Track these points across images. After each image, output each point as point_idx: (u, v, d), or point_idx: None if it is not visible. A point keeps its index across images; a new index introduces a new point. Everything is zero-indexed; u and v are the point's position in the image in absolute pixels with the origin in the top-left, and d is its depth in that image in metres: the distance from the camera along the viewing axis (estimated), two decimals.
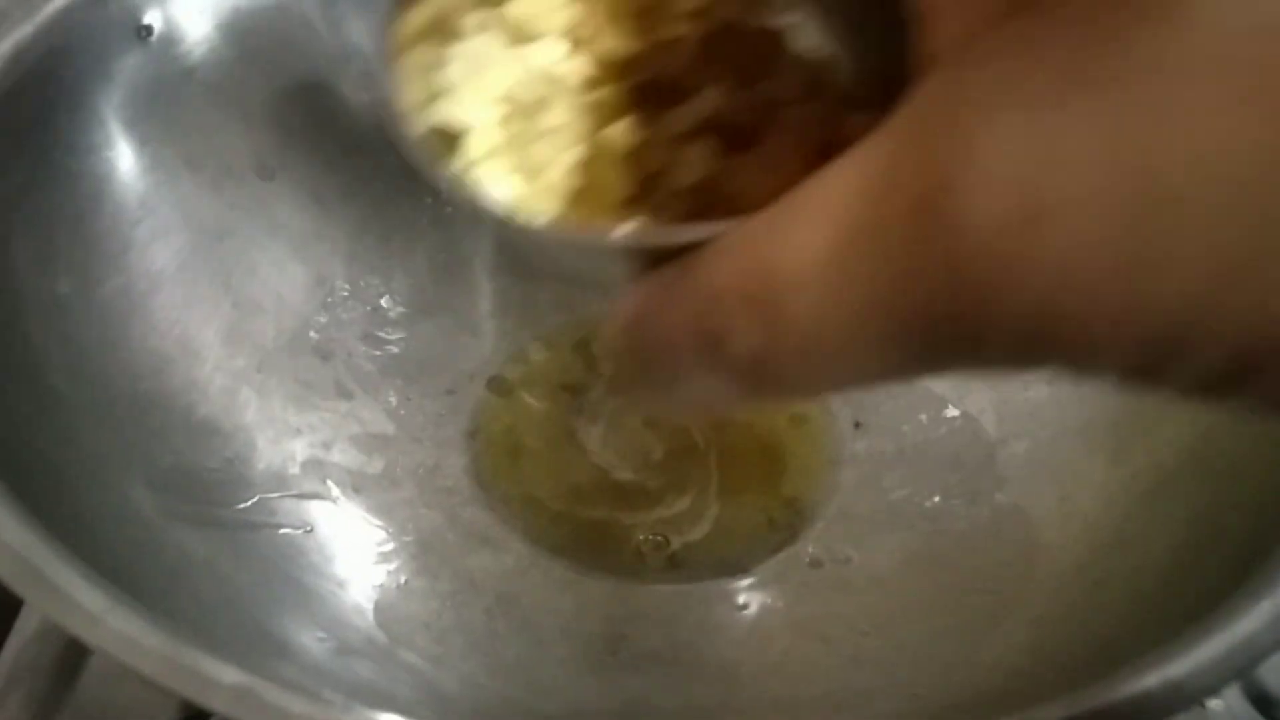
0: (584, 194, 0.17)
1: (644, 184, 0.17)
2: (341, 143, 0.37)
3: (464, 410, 0.37)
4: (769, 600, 0.32)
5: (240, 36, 0.35)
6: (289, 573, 0.30)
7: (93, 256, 0.32)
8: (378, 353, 0.37)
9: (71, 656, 0.31)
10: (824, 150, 0.16)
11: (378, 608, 0.31)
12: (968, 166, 0.10)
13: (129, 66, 0.33)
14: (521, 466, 0.36)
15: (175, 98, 0.34)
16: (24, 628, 0.32)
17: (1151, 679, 0.21)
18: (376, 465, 0.35)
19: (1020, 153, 0.10)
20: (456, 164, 0.17)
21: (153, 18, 0.34)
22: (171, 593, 0.26)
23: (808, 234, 0.11)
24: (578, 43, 0.18)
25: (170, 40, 0.34)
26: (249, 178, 0.36)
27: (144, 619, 0.21)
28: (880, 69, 0.13)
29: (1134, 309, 0.10)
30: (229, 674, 0.20)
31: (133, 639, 0.20)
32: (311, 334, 0.36)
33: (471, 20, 0.18)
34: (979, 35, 0.11)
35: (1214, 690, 0.23)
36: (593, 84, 0.18)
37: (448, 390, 0.38)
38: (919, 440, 0.36)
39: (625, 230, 0.16)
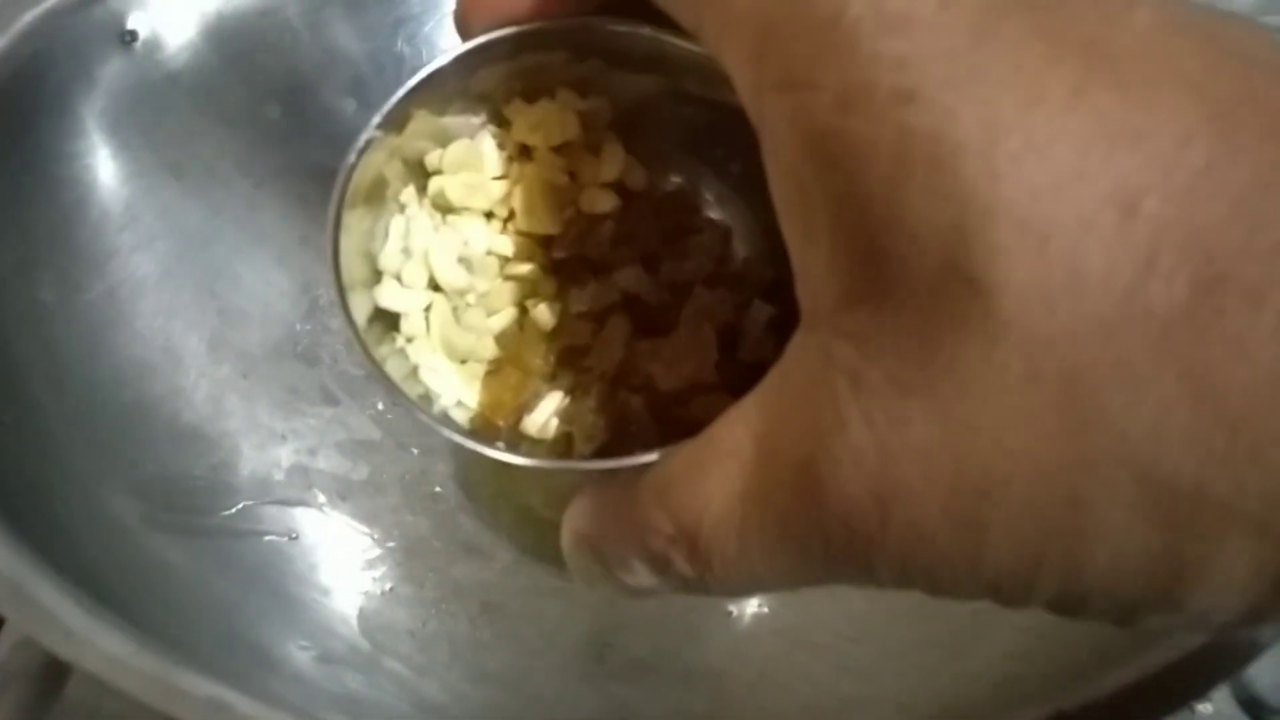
0: (507, 368, 0.19)
1: (562, 357, 0.19)
2: (326, 147, 0.37)
3: None
4: (756, 607, 0.32)
5: (224, 41, 0.35)
6: (273, 580, 0.30)
7: (75, 263, 0.31)
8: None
9: (58, 662, 0.31)
10: (729, 334, 0.18)
11: (362, 615, 0.31)
12: (838, 440, 0.12)
13: (112, 72, 0.33)
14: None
15: (159, 103, 0.34)
16: (11, 632, 0.31)
17: (1137, 676, 0.21)
18: (362, 471, 0.35)
19: (870, 443, 0.12)
20: (393, 344, 0.19)
21: (136, 23, 0.34)
22: (152, 603, 0.26)
23: (718, 485, 0.14)
24: (502, 221, 0.19)
25: (154, 46, 0.34)
26: (233, 183, 0.36)
27: (121, 631, 0.21)
28: (773, 241, 0.14)
29: (968, 573, 0.12)
30: (203, 686, 0.20)
31: (107, 652, 0.20)
32: (297, 340, 0.36)
33: (405, 194, 0.19)
34: (844, 308, 0.12)
35: (1201, 692, 0.22)
36: (516, 260, 0.19)
37: None
38: None
39: (540, 459, 0.18)
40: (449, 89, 0.19)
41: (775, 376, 0.13)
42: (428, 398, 0.19)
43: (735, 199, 0.20)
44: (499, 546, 0.34)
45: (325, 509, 0.33)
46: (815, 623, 0.31)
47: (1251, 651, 0.22)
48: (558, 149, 0.20)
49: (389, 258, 0.19)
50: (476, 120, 0.20)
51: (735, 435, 0.14)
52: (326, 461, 0.34)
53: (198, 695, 0.20)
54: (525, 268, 0.19)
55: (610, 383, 0.18)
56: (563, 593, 0.32)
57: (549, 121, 0.20)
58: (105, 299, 0.32)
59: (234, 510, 0.32)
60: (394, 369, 0.19)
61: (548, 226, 0.19)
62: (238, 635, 0.28)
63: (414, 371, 0.19)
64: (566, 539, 0.17)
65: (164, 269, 0.34)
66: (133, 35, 0.34)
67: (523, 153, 0.20)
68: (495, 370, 0.19)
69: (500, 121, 0.20)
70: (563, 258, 0.19)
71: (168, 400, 0.32)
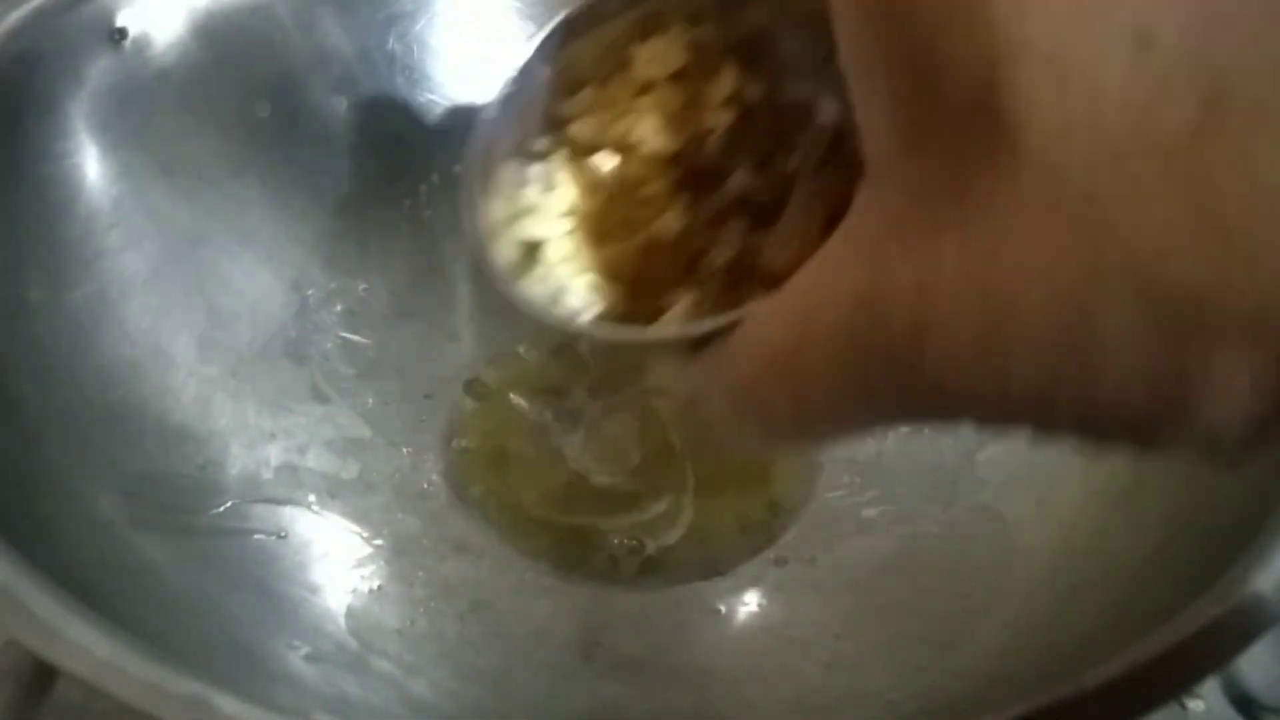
0: (643, 280, 0.21)
1: (689, 263, 0.21)
2: (317, 146, 0.37)
3: (441, 414, 0.37)
4: (744, 604, 0.32)
5: (213, 39, 0.35)
6: (261, 579, 0.30)
7: (63, 263, 0.31)
8: (354, 357, 0.37)
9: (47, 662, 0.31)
10: (834, 217, 0.19)
11: (350, 614, 0.30)
12: (882, 279, 0.13)
13: (101, 70, 0.33)
14: (499, 471, 0.36)
15: (148, 102, 0.34)
16: None
17: (1124, 670, 0.21)
18: (352, 470, 0.35)
19: (910, 280, 0.13)
20: (539, 270, 0.21)
21: (125, 21, 0.33)
22: (139, 603, 0.26)
23: (787, 329, 0.15)
24: (629, 149, 0.21)
25: (143, 44, 0.34)
26: (223, 182, 0.35)
27: (104, 632, 0.21)
28: None
29: (996, 398, 0.13)
30: (186, 686, 0.20)
31: (89, 652, 0.20)
32: (287, 339, 0.36)
33: (541, 143, 0.22)
34: (898, 158, 0.13)
35: (1188, 686, 0.22)
36: (642, 182, 0.21)
37: (425, 394, 0.38)
38: (898, 443, 0.36)
39: (666, 328, 0.19)
40: (573, 41, 0.22)
41: (841, 229, 0.15)
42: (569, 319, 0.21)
43: (844, 99, 0.22)
44: (488, 544, 0.34)
45: (314, 507, 0.33)
46: (803, 620, 0.31)
47: (1239, 645, 0.22)
48: (674, 77, 0.21)
49: (530, 197, 0.22)
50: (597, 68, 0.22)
51: (804, 283, 0.15)
52: (316, 460, 0.34)
53: (180, 695, 0.20)
54: (653, 187, 0.21)
55: (730, 279, 0.20)
56: (551, 591, 0.32)
57: (663, 53, 0.21)
58: (93, 298, 0.32)
59: (222, 509, 0.31)
60: (535, 297, 0.21)
61: (670, 146, 0.21)
62: (225, 634, 0.28)
63: (555, 296, 0.21)
64: (678, 404, 0.19)
65: (153, 268, 0.33)
66: (121, 33, 0.33)
67: (644, 88, 0.22)
68: (630, 285, 0.21)
69: (622, 65, 0.22)
70: (685, 172, 0.21)
71: (156, 399, 0.32)
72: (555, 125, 0.22)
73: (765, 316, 0.16)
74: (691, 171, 0.21)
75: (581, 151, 0.22)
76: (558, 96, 0.22)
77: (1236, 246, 0.11)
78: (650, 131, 0.21)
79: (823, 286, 0.15)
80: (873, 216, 0.14)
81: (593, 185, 0.22)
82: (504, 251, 0.21)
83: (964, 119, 0.12)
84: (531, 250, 0.22)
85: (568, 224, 0.22)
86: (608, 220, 0.21)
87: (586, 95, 0.22)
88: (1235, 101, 0.11)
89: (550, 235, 0.21)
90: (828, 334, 0.14)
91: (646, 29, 0.22)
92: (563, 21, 0.22)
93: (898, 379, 0.13)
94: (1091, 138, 0.11)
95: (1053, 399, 0.12)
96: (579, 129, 0.22)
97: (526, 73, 0.22)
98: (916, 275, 0.13)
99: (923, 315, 0.13)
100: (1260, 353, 0.11)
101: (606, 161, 0.21)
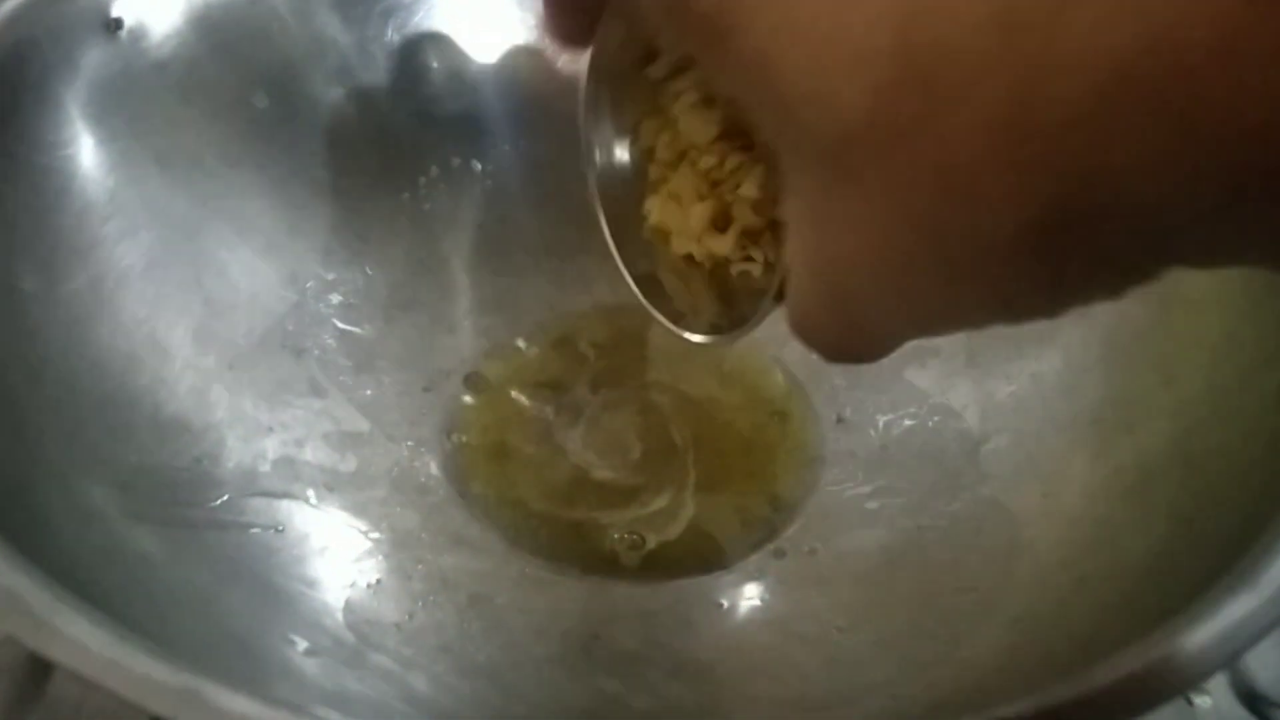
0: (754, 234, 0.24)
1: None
2: (315, 138, 0.37)
3: (440, 408, 0.37)
4: (746, 598, 0.32)
5: (210, 30, 0.35)
6: (257, 573, 0.30)
7: (58, 253, 0.31)
8: (353, 349, 0.37)
9: (42, 658, 0.31)
10: None
11: (348, 608, 0.30)
12: (798, 260, 0.18)
13: (97, 60, 0.33)
14: (499, 465, 0.36)
15: (144, 92, 0.34)
16: None
17: (1130, 668, 0.21)
18: (350, 464, 0.35)
19: (810, 254, 0.17)
20: (670, 257, 0.25)
21: (121, 10, 0.33)
22: (134, 596, 0.25)
23: (810, 281, 0.18)
24: (695, 147, 0.24)
25: (139, 34, 0.34)
26: (220, 173, 0.35)
27: (93, 622, 0.20)
28: None
29: (914, 328, 0.18)
30: (176, 677, 0.19)
31: (77, 642, 0.20)
32: (284, 331, 0.36)
33: (654, 171, 0.26)
34: (785, 171, 0.17)
35: (1192, 683, 0.22)
36: (721, 164, 0.23)
37: (424, 388, 0.37)
38: (902, 436, 0.35)
39: (763, 312, 0.22)
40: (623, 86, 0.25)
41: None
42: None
43: None
44: (487, 538, 0.33)
45: (312, 501, 0.33)
46: (806, 614, 0.31)
47: (1247, 641, 0.21)
48: (679, 75, 0.24)
49: (669, 223, 0.25)
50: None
51: (793, 244, 0.18)
52: (314, 453, 0.34)
53: (176, 688, 0.20)
54: (732, 160, 0.23)
55: None
56: (551, 585, 0.32)
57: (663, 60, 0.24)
58: (88, 289, 0.31)
59: (219, 502, 0.31)
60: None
61: (715, 125, 0.23)
62: (222, 629, 0.27)
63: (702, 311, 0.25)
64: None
65: (149, 259, 0.33)
66: (118, 23, 0.33)
67: (675, 95, 0.24)
68: (744, 239, 0.23)
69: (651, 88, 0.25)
70: (736, 140, 0.23)
71: (151, 391, 0.32)
72: (645, 158, 0.26)
73: (794, 277, 0.19)
74: (738, 134, 0.23)
75: (667, 166, 0.25)
76: (633, 136, 0.25)
77: (967, 205, 0.14)
78: (697, 124, 0.23)
79: (802, 250, 0.18)
80: (790, 215, 0.18)
81: (697, 193, 0.24)
82: (663, 274, 0.26)
83: (799, 143, 0.16)
84: (689, 261, 0.25)
85: (703, 233, 0.24)
86: (723, 208, 0.24)
87: (649, 125, 0.25)
88: (938, 91, 0.13)
89: (695, 249, 0.24)
90: (799, 306, 0.18)
91: (646, 53, 0.24)
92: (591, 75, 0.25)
93: (814, 332, 0.18)
94: (862, 145, 0.14)
95: (954, 322, 0.16)
96: (660, 153, 0.25)
97: (591, 120, 0.25)
98: (800, 269, 0.17)
99: (807, 304, 0.18)
100: (1026, 265, 0.14)
101: (686, 176, 0.24)
